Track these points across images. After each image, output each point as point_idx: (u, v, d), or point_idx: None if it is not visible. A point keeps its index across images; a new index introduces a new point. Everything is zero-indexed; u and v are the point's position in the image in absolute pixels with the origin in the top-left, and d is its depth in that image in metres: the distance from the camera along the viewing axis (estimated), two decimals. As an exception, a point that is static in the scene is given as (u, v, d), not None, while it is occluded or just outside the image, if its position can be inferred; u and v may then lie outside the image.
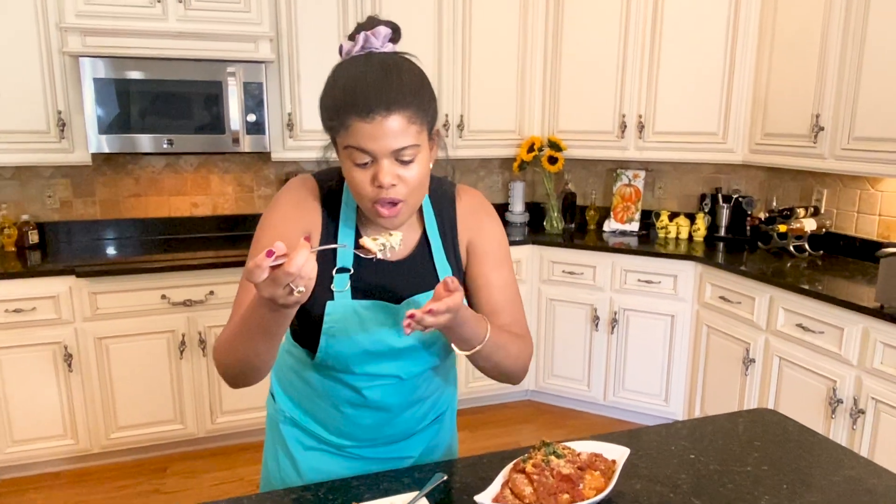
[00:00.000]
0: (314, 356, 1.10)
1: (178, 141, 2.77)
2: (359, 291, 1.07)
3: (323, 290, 1.06)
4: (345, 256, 1.07)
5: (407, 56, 1.01)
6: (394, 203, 0.98)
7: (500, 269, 1.13)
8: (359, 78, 0.94)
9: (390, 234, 0.95)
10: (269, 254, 0.78)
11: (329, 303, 1.05)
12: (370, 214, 1.00)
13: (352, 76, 0.95)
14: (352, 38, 1.00)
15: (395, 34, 1.01)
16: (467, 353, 1.02)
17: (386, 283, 1.09)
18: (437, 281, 1.10)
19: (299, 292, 0.80)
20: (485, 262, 1.13)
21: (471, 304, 1.13)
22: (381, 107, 0.92)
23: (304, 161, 3.28)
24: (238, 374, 0.98)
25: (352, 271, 1.07)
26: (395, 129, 0.93)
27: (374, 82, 0.93)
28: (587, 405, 3.40)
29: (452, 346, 1.01)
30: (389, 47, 1.00)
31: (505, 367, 1.07)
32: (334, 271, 1.07)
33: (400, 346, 1.08)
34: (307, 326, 1.09)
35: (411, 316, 0.88)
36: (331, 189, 1.10)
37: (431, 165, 1.06)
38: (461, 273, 1.14)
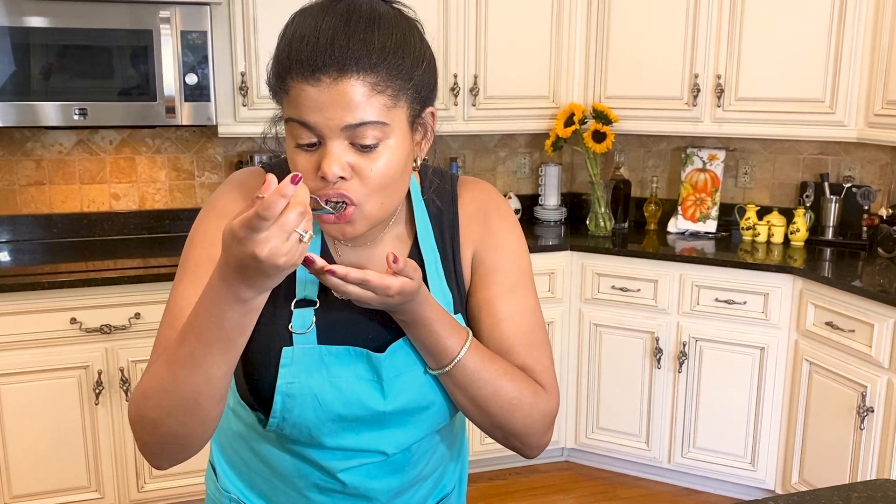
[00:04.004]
0: (266, 423, 1.08)
1: (93, 111, 2.76)
2: (326, 332, 1.06)
3: (278, 331, 1.05)
4: (307, 285, 1.06)
5: (400, 8, 1.00)
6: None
7: (513, 293, 1.11)
8: (311, 26, 0.94)
9: None
10: (296, 179, 0.78)
11: (286, 349, 1.04)
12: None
13: (305, 24, 0.95)
14: None
15: None
16: (435, 371, 1.05)
17: (363, 321, 1.07)
18: None
19: (309, 238, 0.82)
20: (491, 284, 1.11)
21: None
22: (332, 64, 0.91)
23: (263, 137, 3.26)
24: (174, 432, 0.94)
25: (318, 304, 1.06)
26: (349, 96, 0.92)
27: (327, 31, 0.93)
28: (645, 469, 3.38)
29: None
30: None
31: (493, 413, 1.06)
32: (293, 304, 1.06)
33: (385, 409, 1.07)
34: (255, 382, 1.08)
35: (311, 262, 0.90)
36: None
37: (418, 163, 1.05)
38: (465, 301, 1.14)
